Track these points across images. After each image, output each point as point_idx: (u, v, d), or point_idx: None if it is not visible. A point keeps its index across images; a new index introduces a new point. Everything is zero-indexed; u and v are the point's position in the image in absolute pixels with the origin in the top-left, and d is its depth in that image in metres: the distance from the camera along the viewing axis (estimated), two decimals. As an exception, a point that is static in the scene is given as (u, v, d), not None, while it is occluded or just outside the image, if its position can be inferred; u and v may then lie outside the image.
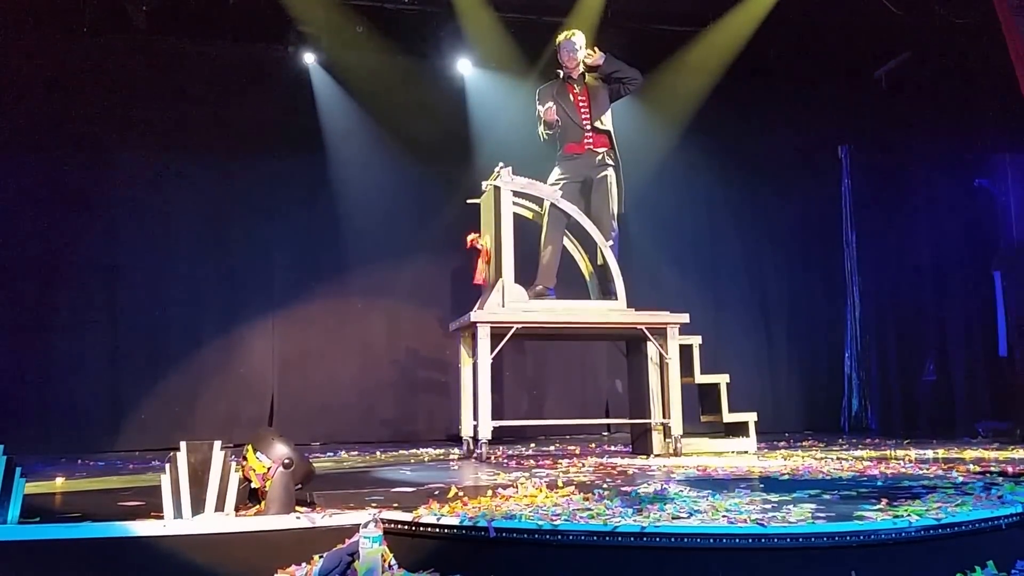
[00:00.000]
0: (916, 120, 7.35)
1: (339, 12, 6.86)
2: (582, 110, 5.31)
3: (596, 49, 5.32)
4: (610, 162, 5.32)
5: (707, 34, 7.31)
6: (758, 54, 7.32)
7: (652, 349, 5.07)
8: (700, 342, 5.38)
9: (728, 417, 5.28)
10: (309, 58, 7.15)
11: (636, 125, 7.70)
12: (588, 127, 5.28)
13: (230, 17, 6.83)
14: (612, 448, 5.73)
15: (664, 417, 5.02)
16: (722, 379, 5.34)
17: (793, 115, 7.95)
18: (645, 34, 7.34)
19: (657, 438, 5.04)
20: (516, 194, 5.11)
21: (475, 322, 4.76)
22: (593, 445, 6.10)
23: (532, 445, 6.15)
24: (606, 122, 5.33)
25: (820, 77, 7.85)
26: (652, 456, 4.94)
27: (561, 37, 5.42)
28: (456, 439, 5.75)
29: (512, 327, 4.80)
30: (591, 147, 5.28)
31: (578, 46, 5.34)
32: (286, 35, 7.07)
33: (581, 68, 5.36)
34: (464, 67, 7.45)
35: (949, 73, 6.84)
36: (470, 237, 5.24)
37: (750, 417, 5.25)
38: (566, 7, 7.02)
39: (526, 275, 5.11)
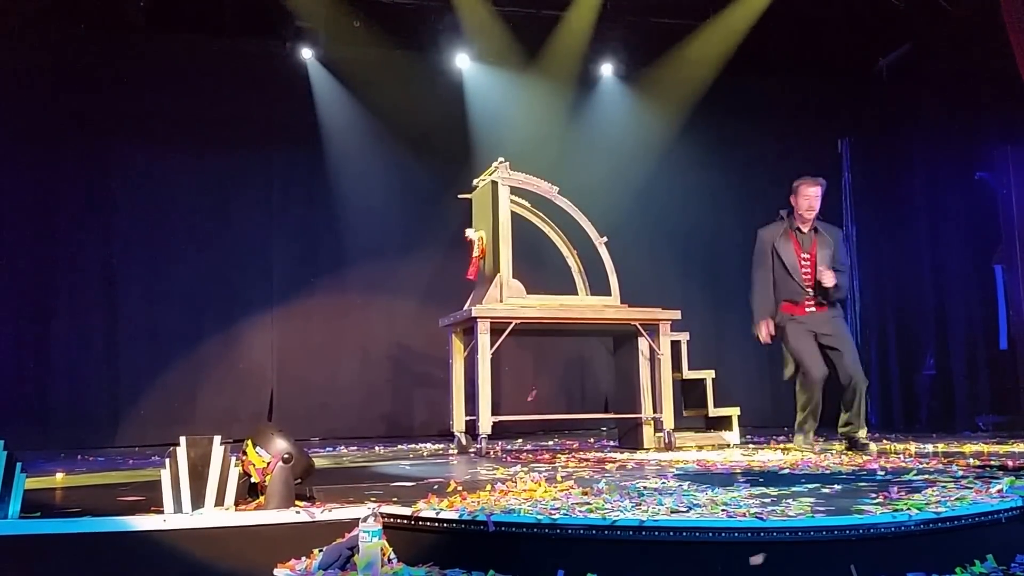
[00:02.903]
0: (917, 113, 7.33)
1: (337, 7, 6.84)
2: (804, 270, 4.75)
3: (830, 274, 4.68)
4: (838, 296, 4.78)
5: (706, 27, 7.29)
6: (758, 47, 7.31)
7: (643, 344, 5.11)
8: (688, 339, 5.50)
9: (714, 412, 5.48)
10: (307, 53, 7.13)
11: (635, 119, 7.69)
12: (809, 289, 4.73)
13: (227, 13, 6.82)
14: (609, 443, 5.73)
15: (655, 412, 5.06)
16: (708, 375, 5.52)
17: (793, 108, 7.93)
18: (644, 27, 7.33)
19: (647, 432, 5.09)
20: (512, 190, 5.12)
21: (475, 317, 4.76)
22: (592, 440, 6.09)
23: (520, 441, 6.15)
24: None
25: (820, 70, 7.83)
26: (641, 450, 4.97)
27: (806, 182, 4.90)
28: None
29: (511, 322, 4.81)
30: (811, 308, 4.74)
31: (820, 194, 4.84)
32: (284, 30, 7.06)
33: (811, 223, 4.82)
34: (462, 61, 7.43)
35: (950, 66, 6.81)
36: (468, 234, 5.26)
37: (733, 412, 5.47)
38: (565, 1, 7.00)
39: (524, 271, 5.12)
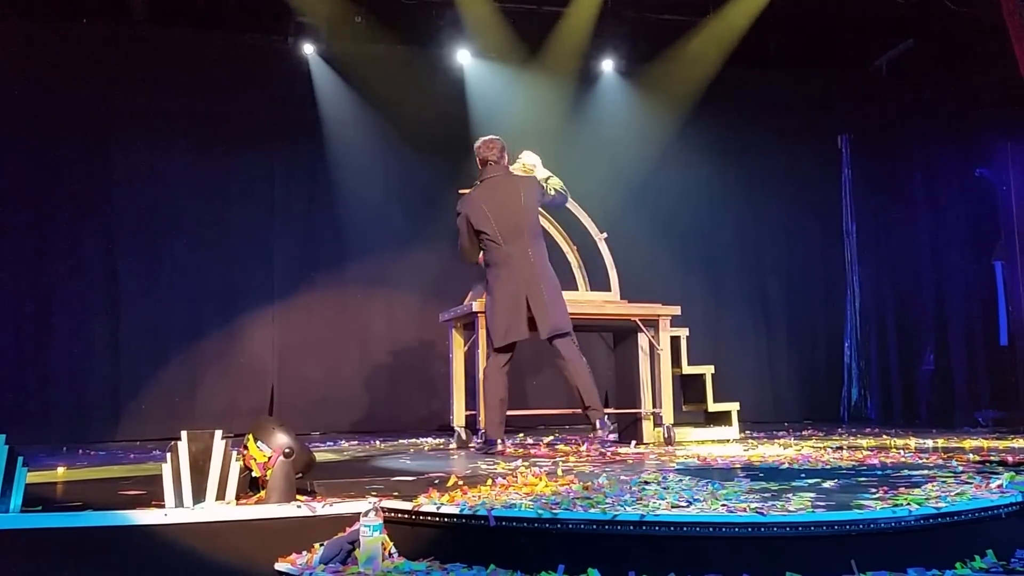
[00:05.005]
0: (917, 109, 7.33)
1: (338, 2, 6.84)
2: None
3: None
4: None
5: (707, 23, 7.29)
6: (758, 43, 7.30)
7: (643, 340, 5.12)
8: (687, 334, 5.50)
9: (713, 407, 5.48)
10: (308, 48, 7.14)
11: (636, 115, 7.69)
12: None
13: (229, 8, 6.81)
14: (608, 438, 5.73)
15: (655, 407, 5.08)
16: (707, 370, 5.52)
17: (793, 104, 7.93)
18: (645, 23, 7.32)
19: (646, 427, 5.11)
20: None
21: (476, 312, 4.76)
22: (592, 435, 6.09)
23: (521, 436, 6.16)
24: None
25: (820, 66, 7.83)
26: (640, 444, 4.98)
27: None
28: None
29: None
30: None
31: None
32: (285, 26, 7.05)
33: None
34: (463, 57, 7.43)
35: (950, 62, 6.81)
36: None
37: (733, 407, 5.49)
38: (566, -3, 7.00)
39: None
